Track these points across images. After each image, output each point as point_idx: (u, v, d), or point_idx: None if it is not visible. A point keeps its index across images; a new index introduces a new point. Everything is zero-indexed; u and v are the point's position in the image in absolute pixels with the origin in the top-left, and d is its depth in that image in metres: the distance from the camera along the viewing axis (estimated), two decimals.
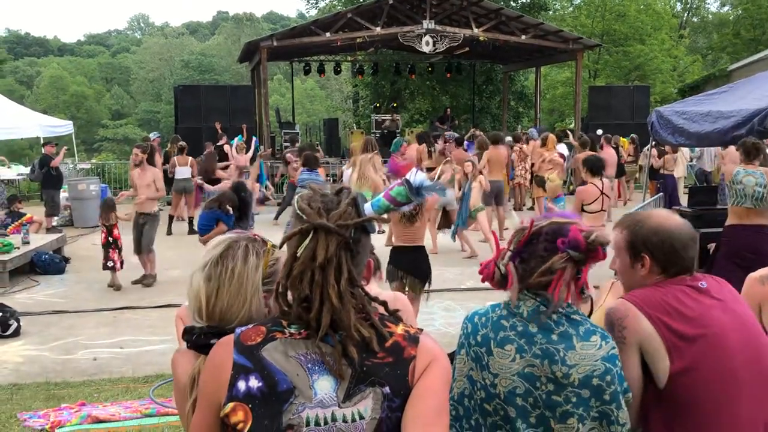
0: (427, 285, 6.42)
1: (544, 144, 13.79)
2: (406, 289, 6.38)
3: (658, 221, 2.41)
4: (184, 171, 14.18)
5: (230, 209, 7.52)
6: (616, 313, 2.30)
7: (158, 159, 14.04)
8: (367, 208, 1.68)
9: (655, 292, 2.32)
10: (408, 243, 6.30)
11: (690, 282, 2.35)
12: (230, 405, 1.56)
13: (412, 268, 6.30)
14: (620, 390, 2.08)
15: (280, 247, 1.65)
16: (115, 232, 9.44)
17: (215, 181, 12.94)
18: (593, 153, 10.21)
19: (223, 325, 1.83)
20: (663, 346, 2.22)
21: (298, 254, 1.59)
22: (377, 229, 1.75)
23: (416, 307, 6.61)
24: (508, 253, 2.18)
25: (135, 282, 9.66)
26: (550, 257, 2.09)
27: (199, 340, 1.87)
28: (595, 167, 7.74)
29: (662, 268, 2.36)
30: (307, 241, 1.59)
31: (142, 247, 9.64)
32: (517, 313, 2.14)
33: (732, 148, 11.60)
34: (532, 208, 13.20)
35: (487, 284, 2.24)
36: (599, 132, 16.97)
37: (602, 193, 7.58)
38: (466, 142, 16.63)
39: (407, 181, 1.73)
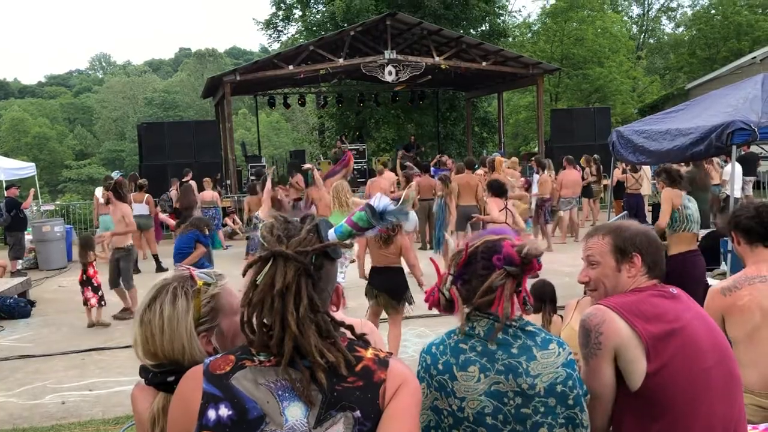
0: (406, 306, 6.86)
1: (493, 169, 13.77)
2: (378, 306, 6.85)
3: (637, 225, 2.50)
4: (140, 208, 14.00)
5: (206, 231, 7.56)
6: (593, 319, 2.32)
7: (127, 194, 14.02)
8: (331, 234, 1.68)
9: (629, 297, 2.37)
10: (384, 264, 6.76)
11: (660, 288, 2.42)
12: None
13: (386, 287, 6.75)
14: (581, 393, 2.12)
15: (244, 275, 1.64)
16: (90, 270, 9.45)
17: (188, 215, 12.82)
18: (497, 178, 10.66)
19: (173, 364, 1.83)
20: (641, 348, 2.25)
21: (258, 282, 1.59)
22: (348, 258, 1.75)
23: (397, 330, 6.79)
24: (450, 278, 2.22)
25: (116, 317, 9.75)
26: (489, 275, 2.13)
27: (155, 378, 1.86)
28: (498, 190, 9.01)
29: (649, 267, 2.42)
30: (266, 269, 1.59)
31: (122, 283, 9.72)
32: (473, 334, 2.16)
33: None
34: None
35: None
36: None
37: (506, 207, 8.86)
38: (432, 169, 16.76)
39: (369, 206, 1.73)
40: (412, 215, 12.29)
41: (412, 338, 8.17)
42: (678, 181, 6.92)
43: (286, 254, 1.58)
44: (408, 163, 17.17)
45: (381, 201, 1.76)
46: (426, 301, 2.28)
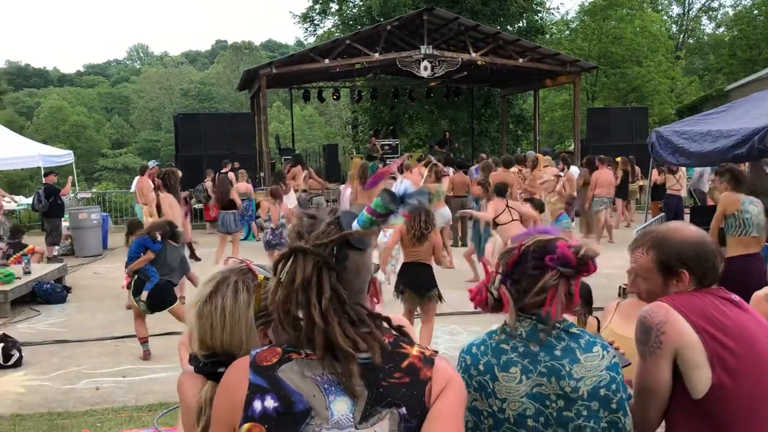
0: (439, 302, 7.01)
1: (535, 166, 13.85)
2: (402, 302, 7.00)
3: (684, 234, 2.37)
4: None
5: (158, 236, 7.60)
6: (655, 317, 2.23)
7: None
8: (354, 225, 1.66)
9: (694, 299, 2.27)
10: (414, 260, 6.89)
11: (724, 294, 2.32)
12: (246, 426, 1.54)
13: (414, 283, 6.87)
14: (625, 397, 2.07)
15: (275, 273, 1.64)
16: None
17: (230, 205, 12.85)
18: (502, 180, 10.71)
19: (227, 355, 1.84)
20: (705, 355, 2.16)
21: (282, 278, 1.60)
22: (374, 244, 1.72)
23: (429, 326, 7.06)
24: (498, 277, 2.16)
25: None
26: (540, 276, 2.08)
27: (205, 368, 1.86)
28: (500, 190, 9.34)
29: (698, 280, 2.32)
30: (288, 265, 1.60)
31: None
32: (515, 335, 2.12)
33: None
34: None
35: None
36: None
37: (507, 206, 8.94)
38: (474, 168, 16.68)
39: (386, 191, 1.70)
40: (446, 211, 12.27)
41: (443, 335, 8.15)
42: (742, 182, 6.73)
43: (304, 249, 1.59)
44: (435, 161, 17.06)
45: (401, 185, 1.73)
46: (472, 300, 2.23)
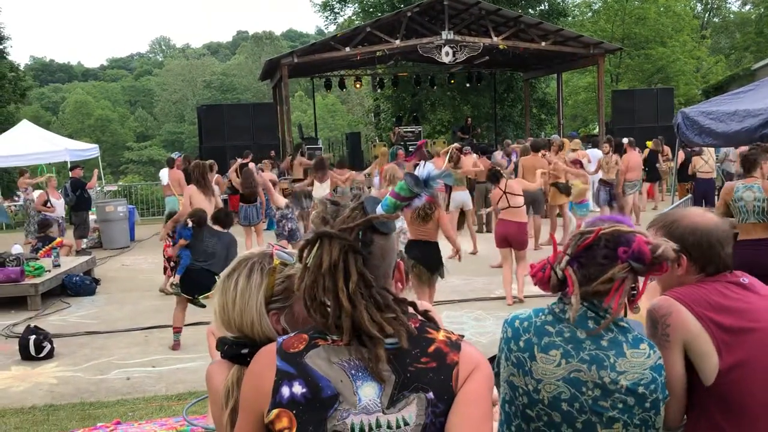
0: (438, 276, 7.17)
1: (560, 150, 13.81)
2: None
3: (693, 220, 2.34)
4: None
5: (189, 223, 7.72)
6: (659, 310, 2.22)
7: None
8: (378, 209, 1.66)
9: (698, 289, 2.25)
10: (421, 238, 7.03)
11: (731, 278, 2.29)
12: (275, 412, 1.55)
13: (422, 258, 7.00)
14: (661, 398, 2.04)
15: (299, 260, 1.64)
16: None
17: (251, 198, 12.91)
18: (494, 167, 10.59)
19: (245, 338, 1.86)
20: (711, 344, 2.15)
21: (308, 264, 1.60)
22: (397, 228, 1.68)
23: (432, 293, 7.28)
24: (566, 258, 2.10)
25: None
26: (610, 265, 2.02)
27: (231, 350, 1.88)
28: (492, 178, 9.36)
29: (700, 267, 2.29)
30: (314, 250, 1.60)
31: None
32: (563, 318, 2.08)
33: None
34: (559, 215, 13.11)
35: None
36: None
37: (504, 192, 8.91)
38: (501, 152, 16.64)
39: (410, 175, 1.69)
40: (457, 195, 12.37)
41: (469, 321, 8.15)
42: (747, 168, 6.64)
43: (330, 233, 1.58)
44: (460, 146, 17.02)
45: (425, 168, 1.71)
46: (533, 275, 2.17)
